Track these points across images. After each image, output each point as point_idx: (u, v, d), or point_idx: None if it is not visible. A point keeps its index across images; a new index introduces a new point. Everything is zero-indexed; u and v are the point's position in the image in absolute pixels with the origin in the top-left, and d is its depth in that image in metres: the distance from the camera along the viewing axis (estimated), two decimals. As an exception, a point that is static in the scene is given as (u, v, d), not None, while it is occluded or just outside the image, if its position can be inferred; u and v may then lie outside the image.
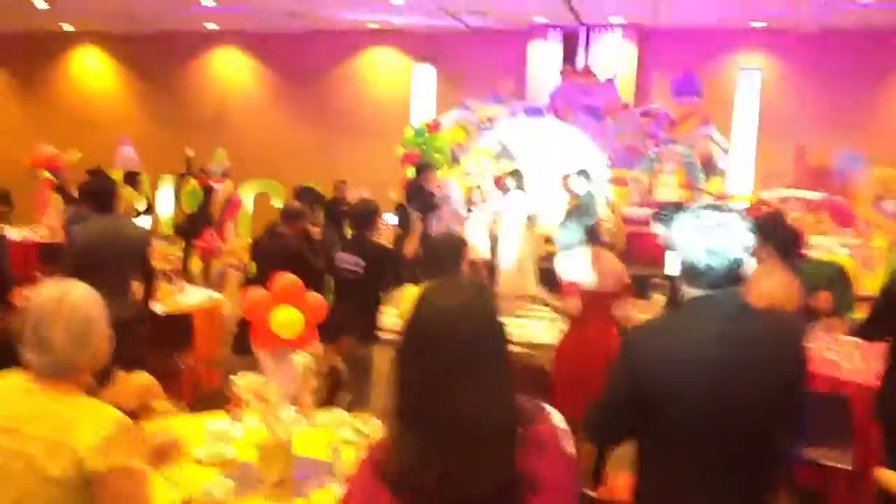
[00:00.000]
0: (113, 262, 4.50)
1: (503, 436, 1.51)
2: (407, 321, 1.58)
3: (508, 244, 8.58)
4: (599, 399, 2.12)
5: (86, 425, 1.86)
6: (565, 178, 8.91)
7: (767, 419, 1.98)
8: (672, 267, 2.10)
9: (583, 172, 8.66)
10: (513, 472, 1.50)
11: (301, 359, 2.74)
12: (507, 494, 1.49)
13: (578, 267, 4.62)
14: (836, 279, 7.34)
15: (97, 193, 4.80)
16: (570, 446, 1.62)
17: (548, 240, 9.91)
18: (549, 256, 9.64)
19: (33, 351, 1.93)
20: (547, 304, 4.95)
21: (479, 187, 9.74)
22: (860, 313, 6.71)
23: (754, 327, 2.00)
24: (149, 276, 4.94)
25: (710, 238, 1.96)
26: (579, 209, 6.00)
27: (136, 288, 4.88)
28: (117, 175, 9.01)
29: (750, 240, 2.00)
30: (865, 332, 3.89)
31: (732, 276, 1.98)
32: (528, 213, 8.69)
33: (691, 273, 2.00)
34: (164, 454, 2.44)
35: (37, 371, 1.95)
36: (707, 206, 2.07)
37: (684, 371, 1.93)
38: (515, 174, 8.81)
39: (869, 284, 7.22)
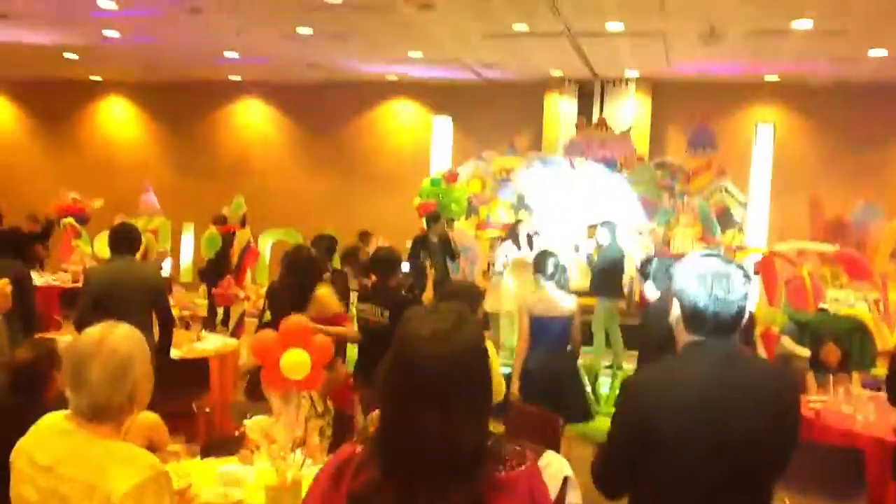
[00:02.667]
0: (127, 303, 4.61)
1: (464, 468, 1.49)
2: (393, 349, 1.58)
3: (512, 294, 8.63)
4: (604, 447, 2.15)
5: (119, 470, 1.84)
6: (591, 228, 9.08)
7: (758, 463, 2.01)
8: (673, 315, 2.12)
9: (607, 224, 8.79)
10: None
11: (301, 399, 2.80)
12: None
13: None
14: (854, 333, 7.30)
15: (119, 237, 4.97)
16: (550, 495, 1.63)
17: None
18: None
19: (72, 390, 1.94)
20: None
21: (500, 238, 9.84)
22: (882, 368, 6.66)
23: (747, 373, 2.04)
24: (167, 321, 5.04)
25: (715, 285, 2.00)
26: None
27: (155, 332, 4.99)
28: (140, 222, 9.21)
29: (748, 288, 2.04)
30: (891, 396, 3.89)
31: (735, 323, 2.02)
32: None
33: (696, 319, 2.03)
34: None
35: (75, 411, 1.95)
36: (707, 255, 2.11)
37: (681, 415, 1.96)
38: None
39: (891, 339, 7.16)
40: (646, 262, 7.66)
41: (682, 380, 2.02)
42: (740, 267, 2.06)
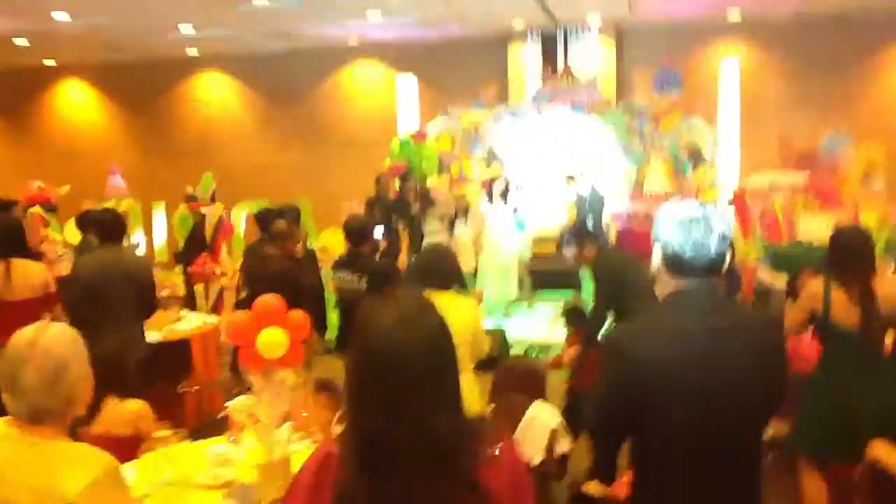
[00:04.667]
0: (118, 294, 4.52)
1: (445, 455, 1.46)
2: (355, 342, 1.52)
3: (495, 249, 8.70)
4: (597, 399, 2.17)
5: (70, 471, 1.81)
6: (569, 177, 9.15)
7: (752, 407, 2.04)
8: (654, 262, 2.14)
9: (585, 172, 8.88)
10: (465, 486, 1.46)
11: (285, 376, 2.79)
12: None
13: None
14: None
15: (108, 224, 4.85)
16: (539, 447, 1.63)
17: (537, 241, 10.04)
18: (539, 257, 9.78)
19: (8, 394, 1.88)
20: None
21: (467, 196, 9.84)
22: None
23: (733, 320, 2.07)
24: (151, 307, 4.95)
25: (694, 229, 2.02)
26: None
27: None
28: (109, 205, 9.06)
29: (728, 230, 2.06)
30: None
31: (715, 266, 2.04)
32: (517, 215, 8.81)
33: (676, 263, 2.05)
34: None
35: (14, 415, 1.89)
36: (686, 202, 2.13)
37: (672, 365, 1.99)
38: (500, 180, 8.91)
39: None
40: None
41: (667, 331, 2.04)
42: (720, 211, 2.10)
